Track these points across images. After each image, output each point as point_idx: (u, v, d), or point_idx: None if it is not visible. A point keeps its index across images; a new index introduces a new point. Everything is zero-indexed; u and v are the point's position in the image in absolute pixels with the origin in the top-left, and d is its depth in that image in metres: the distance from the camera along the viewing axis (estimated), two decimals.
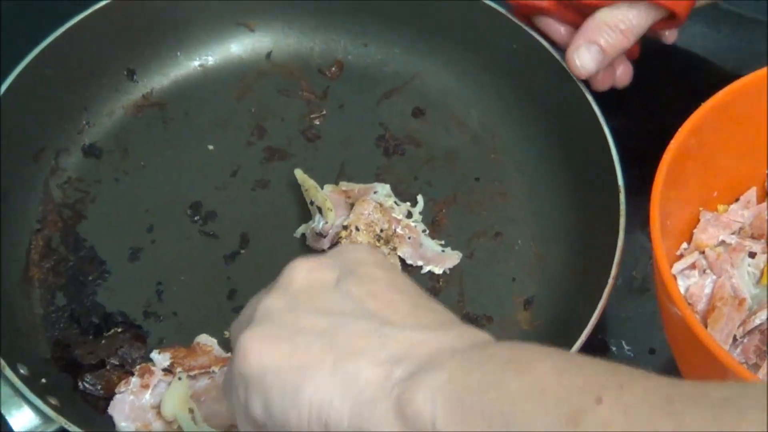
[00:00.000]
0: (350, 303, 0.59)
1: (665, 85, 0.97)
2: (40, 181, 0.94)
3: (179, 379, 0.80)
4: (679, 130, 0.75)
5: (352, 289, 0.59)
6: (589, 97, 0.89)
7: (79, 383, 0.84)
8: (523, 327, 0.87)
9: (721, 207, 0.82)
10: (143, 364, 0.84)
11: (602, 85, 0.91)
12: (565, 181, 0.92)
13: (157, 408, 0.81)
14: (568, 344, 0.78)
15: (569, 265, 0.88)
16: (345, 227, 0.88)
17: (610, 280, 0.79)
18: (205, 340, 0.85)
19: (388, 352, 0.55)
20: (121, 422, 0.81)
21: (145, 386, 0.82)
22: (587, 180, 0.90)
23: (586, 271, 0.85)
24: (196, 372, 0.83)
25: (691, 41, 1.02)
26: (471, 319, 0.87)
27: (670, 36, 0.93)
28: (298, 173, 0.92)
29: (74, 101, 0.97)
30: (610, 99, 0.91)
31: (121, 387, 0.82)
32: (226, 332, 0.84)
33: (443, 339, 0.55)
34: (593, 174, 0.88)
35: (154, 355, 0.84)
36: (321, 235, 0.89)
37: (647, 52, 0.92)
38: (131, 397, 0.82)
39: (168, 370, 0.83)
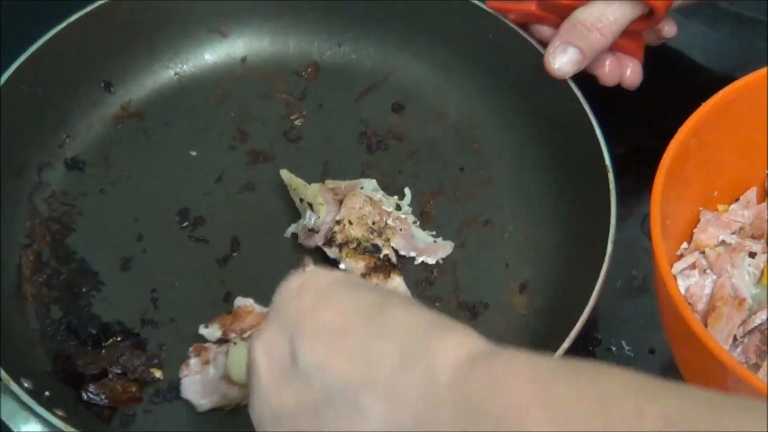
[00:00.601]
0: (316, 381, 0.59)
1: (665, 85, 0.98)
2: (24, 196, 0.94)
3: (234, 344, 0.80)
4: (679, 130, 0.77)
5: (309, 359, 0.59)
6: (569, 80, 0.90)
7: (83, 394, 0.84)
8: (520, 312, 0.88)
9: (721, 207, 0.84)
10: (196, 345, 0.85)
11: (609, 79, 0.91)
12: (550, 165, 0.93)
13: (226, 377, 0.81)
14: (566, 327, 0.79)
15: (562, 248, 0.89)
16: (338, 222, 0.89)
17: (607, 259, 0.81)
18: (243, 302, 0.87)
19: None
20: (199, 401, 0.83)
21: (206, 362, 0.84)
22: (573, 162, 0.91)
23: (580, 254, 0.87)
24: (247, 333, 0.84)
25: (691, 41, 1.03)
26: (467, 306, 0.88)
27: (669, 30, 0.93)
28: (284, 173, 0.93)
29: (53, 116, 0.97)
30: (610, 99, 0.92)
31: (183, 371, 0.84)
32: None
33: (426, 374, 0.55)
34: (579, 156, 0.90)
35: (203, 329, 0.86)
36: (313, 231, 0.90)
37: (646, 51, 0.93)
38: (197, 376, 0.83)
39: (221, 340, 0.84)
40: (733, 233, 0.82)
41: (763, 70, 0.79)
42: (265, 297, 0.74)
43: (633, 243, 0.82)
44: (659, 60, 0.95)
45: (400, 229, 0.91)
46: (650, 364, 0.84)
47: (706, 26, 1.04)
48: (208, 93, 1.01)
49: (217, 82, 1.01)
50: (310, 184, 0.93)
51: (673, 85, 0.99)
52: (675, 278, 0.79)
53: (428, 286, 0.90)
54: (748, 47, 0.99)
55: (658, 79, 0.95)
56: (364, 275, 0.87)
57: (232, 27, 1.02)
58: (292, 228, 0.92)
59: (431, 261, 0.91)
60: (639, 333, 0.85)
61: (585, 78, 0.91)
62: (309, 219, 0.90)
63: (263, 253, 0.92)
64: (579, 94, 0.89)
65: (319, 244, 0.90)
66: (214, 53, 1.02)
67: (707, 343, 0.67)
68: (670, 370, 0.78)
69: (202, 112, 1.00)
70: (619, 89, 0.92)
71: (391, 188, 0.94)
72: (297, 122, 0.99)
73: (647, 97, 0.95)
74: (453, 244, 0.91)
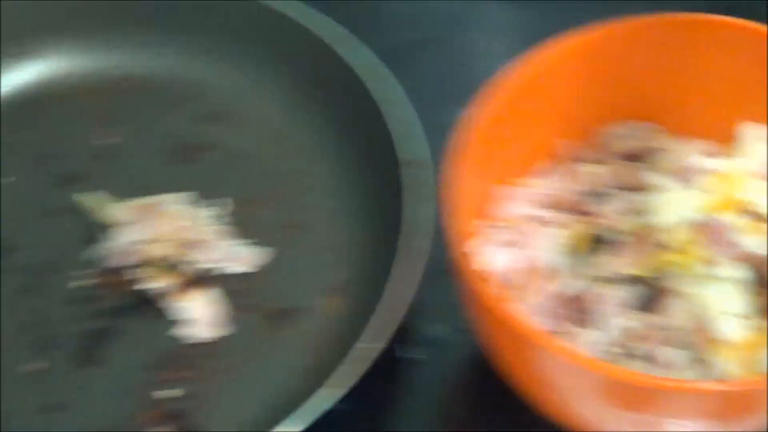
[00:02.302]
0: None
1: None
2: None
3: None
4: (473, 106, 0.76)
5: None
6: (363, 80, 0.90)
7: None
8: (331, 313, 0.87)
9: (518, 180, 0.83)
10: None
11: None
12: (362, 166, 0.93)
13: None
14: (386, 327, 0.78)
15: (379, 247, 0.88)
16: (144, 241, 0.87)
17: (424, 256, 0.80)
18: None
19: None
20: None
21: None
22: (375, 159, 0.90)
23: (395, 252, 0.85)
24: None
25: None
26: (286, 313, 0.87)
27: None
28: (81, 197, 0.91)
29: None
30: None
31: None
32: None
33: None
34: (381, 152, 0.89)
35: None
36: (117, 253, 0.88)
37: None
38: None
39: None
40: (536, 206, 0.81)
41: (550, 43, 0.80)
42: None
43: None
44: None
45: (214, 241, 0.89)
46: (465, 345, 0.84)
47: None
48: (15, 117, 0.98)
49: (22, 107, 0.99)
50: (120, 202, 0.90)
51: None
52: (475, 256, 0.77)
53: (245, 295, 0.88)
54: None
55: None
56: (174, 292, 0.86)
57: (34, 50, 1.00)
58: (97, 250, 0.89)
59: (247, 270, 0.89)
60: (452, 315, 0.84)
61: None
62: (111, 240, 0.88)
63: (70, 278, 0.89)
64: (372, 92, 0.90)
65: (122, 264, 0.87)
66: (19, 76, 1.00)
67: (510, 319, 0.67)
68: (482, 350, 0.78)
69: (8, 137, 0.97)
70: None
71: (207, 199, 0.92)
72: (109, 141, 0.97)
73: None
74: (270, 251, 0.90)
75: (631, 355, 0.73)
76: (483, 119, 0.76)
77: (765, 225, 0.80)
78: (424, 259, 0.80)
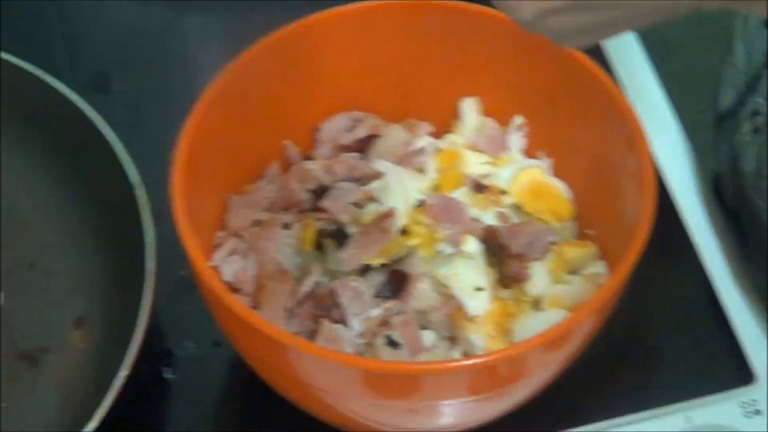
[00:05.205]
0: None
1: None
2: None
3: None
4: (187, 122, 0.75)
5: None
6: (84, 107, 0.86)
7: None
8: (79, 346, 0.84)
9: (248, 187, 0.83)
10: None
11: None
12: (84, 196, 0.89)
13: None
14: (125, 352, 0.75)
15: (113, 275, 0.86)
16: None
17: (149, 280, 0.78)
18: None
19: None
20: None
21: None
22: (98, 187, 0.88)
23: (127, 277, 0.83)
24: None
25: None
26: (27, 355, 0.83)
27: None
28: None
29: None
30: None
31: None
32: None
33: None
34: (102, 179, 0.86)
35: None
36: None
37: None
38: None
39: None
40: (265, 210, 0.81)
41: (249, 51, 0.79)
42: None
43: (177, 242, 0.79)
44: None
45: None
46: (218, 358, 0.83)
47: None
48: None
49: None
50: None
51: None
52: (217, 268, 0.77)
53: None
54: None
55: None
56: None
57: None
58: None
59: None
60: (200, 329, 0.83)
61: None
62: None
63: None
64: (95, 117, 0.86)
65: None
66: None
67: (255, 323, 0.66)
68: (238, 360, 0.77)
69: None
70: None
71: None
72: None
73: None
74: (2, 295, 0.86)
75: (382, 344, 0.73)
76: (199, 132, 0.75)
77: (490, 196, 0.82)
78: (153, 280, 0.78)
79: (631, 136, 0.74)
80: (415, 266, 0.76)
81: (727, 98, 0.90)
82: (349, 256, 0.77)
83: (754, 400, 0.81)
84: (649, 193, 0.71)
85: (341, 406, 0.72)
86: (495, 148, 0.85)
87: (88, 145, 0.86)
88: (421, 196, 0.81)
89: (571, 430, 0.80)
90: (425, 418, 0.71)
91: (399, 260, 0.77)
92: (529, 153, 0.86)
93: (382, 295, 0.76)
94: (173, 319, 0.85)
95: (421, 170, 0.84)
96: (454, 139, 0.86)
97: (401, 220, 0.78)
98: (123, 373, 0.75)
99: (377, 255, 0.77)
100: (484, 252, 0.78)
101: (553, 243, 0.79)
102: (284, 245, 0.78)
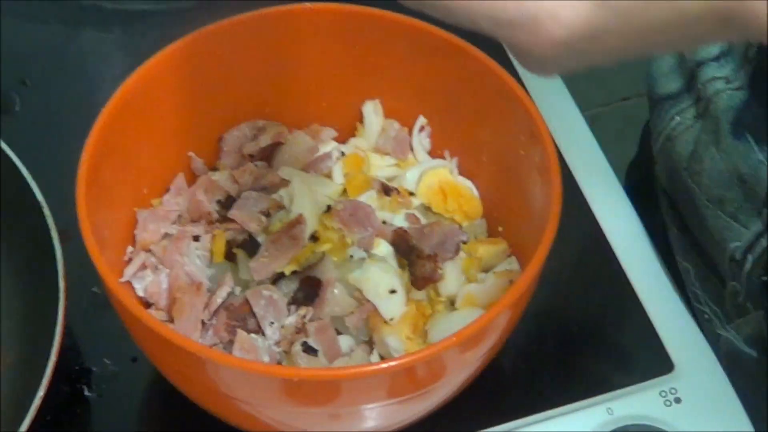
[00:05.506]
0: None
1: None
2: None
3: None
4: (87, 139, 0.73)
5: None
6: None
7: None
8: (8, 366, 0.82)
9: (155, 201, 0.82)
10: None
11: None
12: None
13: None
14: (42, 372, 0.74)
15: (27, 297, 0.84)
16: None
17: (60, 299, 0.77)
18: None
19: None
20: None
21: None
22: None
23: (41, 296, 0.81)
24: None
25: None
26: None
27: None
28: None
29: None
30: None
31: None
32: None
33: None
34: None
35: None
36: None
37: None
38: None
39: None
40: (174, 223, 0.81)
41: (147, 64, 0.78)
42: None
43: (88, 260, 0.79)
44: None
45: None
46: (136, 374, 0.82)
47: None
48: None
49: None
50: None
51: None
52: (129, 285, 0.77)
53: None
54: None
55: None
56: None
57: None
58: None
59: None
60: (116, 346, 0.82)
61: None
62: None
63: None
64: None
65: None
66: None
67: (171, 338, 0.65)
68: (155, 376, 0.76)
69: None
70: None
71: None
72: None
73: None
74: None
75: (299, 352, 0.73)
76: (101, 148, 0.74)
77: (398, 198, 0.82)
78: (65, 298, 0.76)
79: (534, 130, 0.75)
80: (327, 272, 0.76)
81: (668, 84, 0.91)
82: (261, 265, 0.76)
83: (673, 389, 0.82)
84: (555, 186, 0.72)
85: (263, 415, 0.72)
86: (400, 150, 0.85)
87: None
88: (329, 202, 0.81)
89: (493, 428, 0.80)
90: (348, 422, 0.71)
91: (311, 267, 0.77)
92: (434, 153, 0.86)
93: (296, 302, 0.76)
94: (89, 337, 0.84)
95: (327, 175, 0.84)
96: (358, 143, 0.86)
97: (311, 226, 0.78)
98: (41, 393, 0.74)
99: (289, 262, 0.77)
100: (395, 254, 0.79)
101: (464, 242, 0.80)
102: (195, 257, 0.78)
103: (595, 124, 0.98)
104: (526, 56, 0.59)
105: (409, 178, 0.84)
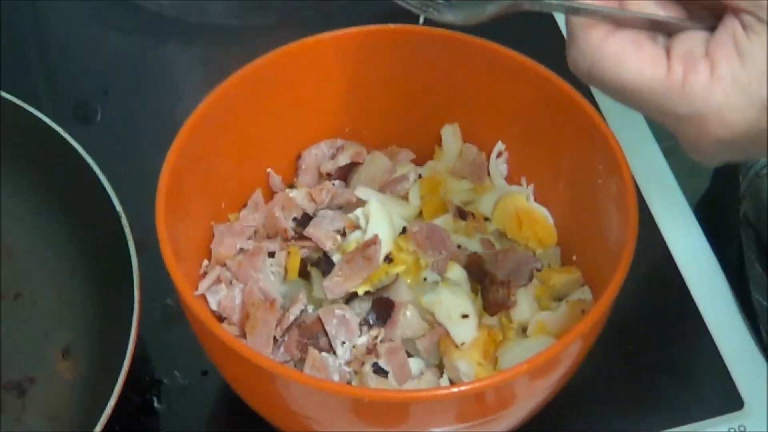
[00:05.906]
0: None
1: None
2: None
3: None
4: (169, 151, 0.75)
5: None
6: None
7: None
8: (67, 376, 0.84)
9: (232, 216, 0.83)
10: None
11: None
12: (68, 231, 0.89)
13: None
14: (113, 382, 0.75)
15: (98, 306, 0.86)
16: None
17: (135, 309, 0.78)
18: None
19: None
20: None
21: None
22: (87, 223, 0.87)
23: (115, 306, 0.83)
24: None
25: None
26: (14, 385, 0.83)
27: None
28: None
29: None
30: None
31: None
32: None
33: None
34: (93, 217, 0.86)
35: None
36: None
37: None
38: None
39: None
40: (249, 238, 0.81)
41: (230, 79, 0.79)
42: None
43: (159, 272, 0.79)
44: None
45: None
46: (205, 387, 0.83)
47: None
48: None
49: None
50: None
51: None
52: (203, 298, 0.77)
53: None
54: None
55: None
56: None
57: None
58: None
59: None
60: (187, 358, 0.83)
61: None
62: None
63: None
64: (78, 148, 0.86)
65: None
66: None
67: (243, 353, 0.66)
68: (225, 390, 0.77)
69: None
70: None
71: None
72: None
73: None
74: None
75: (369, 372, 0.73)
76: (182, 161, 0.75)
77: (473, 222, 0.82)
78: (139, 309, 0.78)
79: (612, 160, 0.75)
80: (400, 294, 0.76)
81: None
82: (334, 284, 0.77)
83: (742, 426, 0.81)
84: (632, 216, 0.72)
85: None
86: (477, 175, 0.85)
87: (72, 177, 0.86)
88: (404, 224, 0.81)
89: None
90: None
91: (384, 288, 0.77)
92: (511, 179, 0.86)
93: (368, 322, 0.76)
94: (161, 348, 0.85)
95: (404, 197, 0.84)
96: (436, 166, 0.86)
97: (385, 247, 0.78)
98: (112, 402, 0.75)
99: (362, 283, 0.77)
100: (468, 279, 0.78)
101: (538, 269, 0.80)
102: (269, 274, 0.78)
103: (670, 156, 0.97)
104: (690, 147, 0.61)
105: (485, 203, 0.84)
